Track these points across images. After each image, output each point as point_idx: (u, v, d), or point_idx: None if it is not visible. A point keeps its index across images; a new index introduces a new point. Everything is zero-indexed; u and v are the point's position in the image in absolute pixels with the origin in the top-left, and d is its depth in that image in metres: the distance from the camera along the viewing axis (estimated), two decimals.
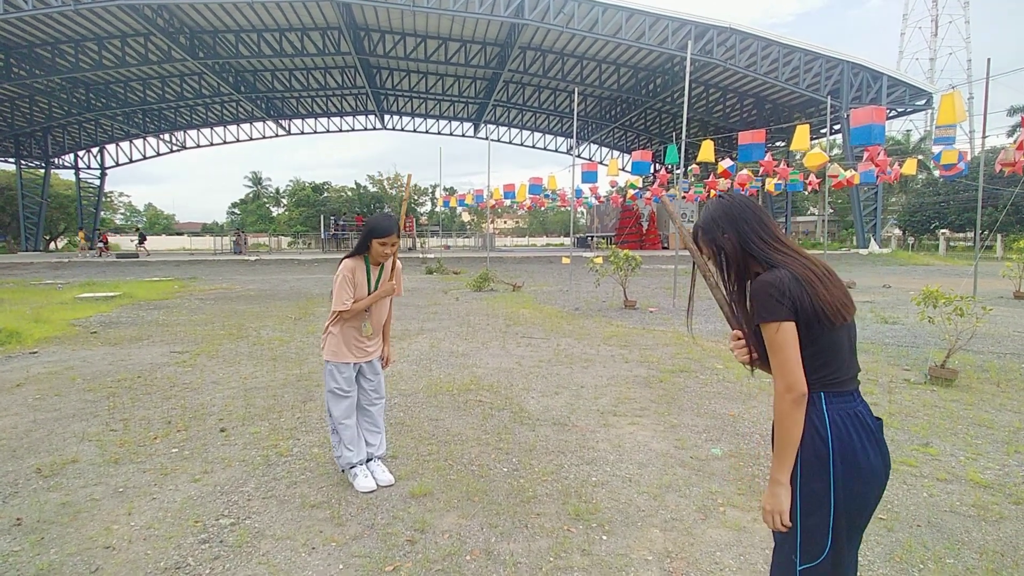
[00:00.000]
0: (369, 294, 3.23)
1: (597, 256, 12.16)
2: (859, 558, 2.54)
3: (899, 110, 30.92)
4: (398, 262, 3.40)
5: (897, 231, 43.75)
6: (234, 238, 37.80)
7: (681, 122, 13.11)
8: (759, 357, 1.58)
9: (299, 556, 2.58)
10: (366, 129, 49.29)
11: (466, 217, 73.86)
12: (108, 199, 54.88)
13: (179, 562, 2.53)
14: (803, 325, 1.44)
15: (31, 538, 2.73)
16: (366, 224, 3.22)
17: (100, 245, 32.18)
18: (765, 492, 1.51)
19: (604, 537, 2.75)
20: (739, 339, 1.64)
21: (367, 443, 3.42)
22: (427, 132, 49.93)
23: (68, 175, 43.50)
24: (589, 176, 20.86)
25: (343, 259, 3.21)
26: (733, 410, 4.67)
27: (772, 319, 1.43)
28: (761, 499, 1.58)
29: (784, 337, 1.42)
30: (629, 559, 2.56)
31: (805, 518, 1.48)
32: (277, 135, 48.03)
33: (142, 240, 35.73)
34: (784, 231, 1.47)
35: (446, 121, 48.99)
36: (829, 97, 21.07)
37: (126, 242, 55.79)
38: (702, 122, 40.18)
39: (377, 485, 3.27)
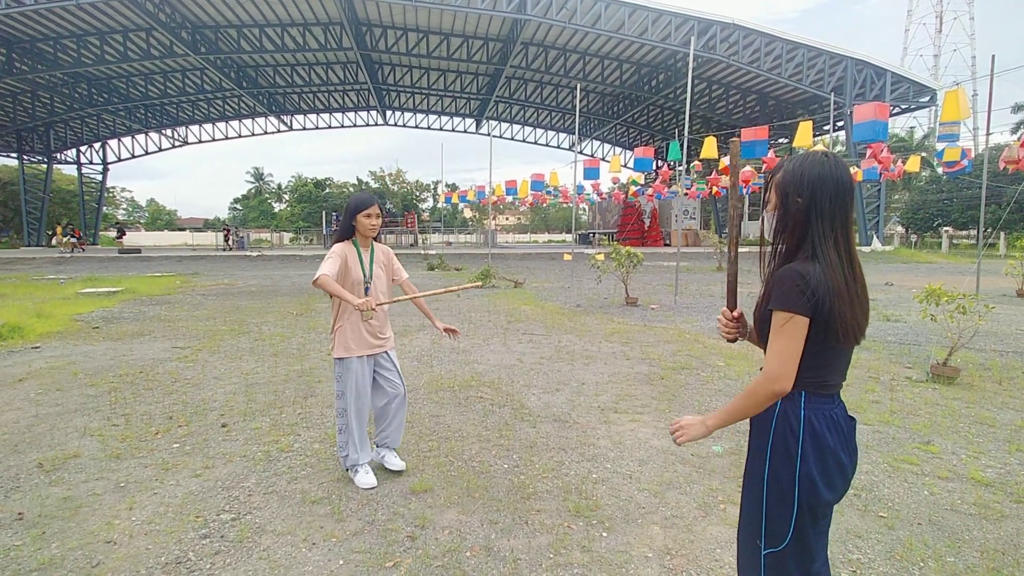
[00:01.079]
0: (364, 277, 3.20)
1: (599, 253, 12.15)
2: (860, 556, 2.55)
3: (903, 107, 30.78)
4: (388, 249, 3.43)
5: (900, 228, 43.64)
6: (224, 233, 37.30)
7: (683, 118, 13.06)
8: (759, 338, 1.57)
9: (299, 551, 2.59)
10: (368, 125, 49.35)
11: (468, 213, 73.84)
12: (110, 194, 55.04)
13: (180, 557, 2.54)
14: (812, 328, 1.43)
15: (32, 532, 2.74)
16: (346, 207, 3.22)
17: (73, 240, 30.92)
18: (693, 417, 1.58)
19: (604, 534, 2.75)
20: (733, 319, 1.68)
21: (384, 433, 3.43)
22: (429, 128, 49.97)
23: (70, 170, 43.64)
24: (591, 172, 20.81)
25: (332, 244, 3.21)
26: None
27: (789, 309, 1.40)
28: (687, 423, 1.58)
29: (793, 330, 1.40)
30: (629, 556, 2.56)
31: (770, 507, 1.51)
32: (279, 131, 48.08)
33: (121, 234, 35.16)
34: (855, 236, 1.51)
35: (448, 117, 48.98)
36: (832, 94, 21.01)
37: (129, 237, 55.94)
38: (705, 119, 40.08)
39: (387, 469, 3.37)
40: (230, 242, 36.08)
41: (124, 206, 70.84)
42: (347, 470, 3.34)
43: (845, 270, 1.43)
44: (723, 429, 4.14)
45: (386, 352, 3.40)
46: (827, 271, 1.40)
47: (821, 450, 1.45)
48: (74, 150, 42.02)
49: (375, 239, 3.34)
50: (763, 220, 1.60)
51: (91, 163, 43.41)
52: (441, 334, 3.44)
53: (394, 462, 3.41)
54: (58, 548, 2.61)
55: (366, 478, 3.24)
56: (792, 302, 1.40)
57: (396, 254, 3.55)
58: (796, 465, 1.46)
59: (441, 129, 50.10)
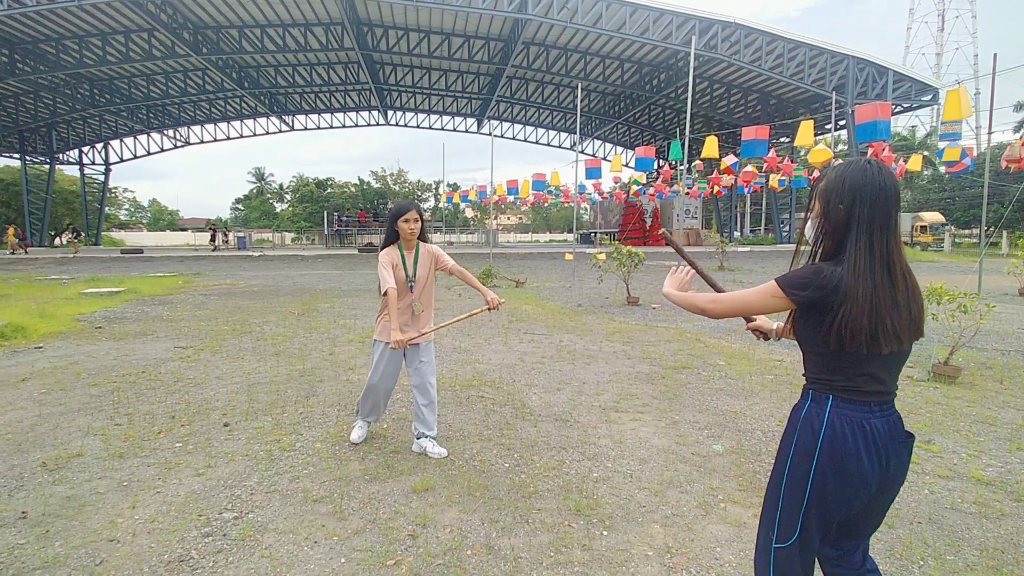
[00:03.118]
0: (407, 277, 3.55)
1: (600, 252, 12.14)
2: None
3: (905, 106, 30.70)
4: (435, 247, 3.70)
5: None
6: (210, 233, 36.27)
7: (685, 118, 13.06)
8: (794, 335, 1.61)
9: (301, 550, 2.60)
10: (369, 125, 49.32)
11: (469, 213, 73.84)
12: (112, 195, 55.08)
13: (183, 555, 2.55)
14: (818, 326, 1.48)
15: (36, 531, 2.75)
16: (389, 214, 3.61)
17: (15, 242, 29.94)
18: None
19: (605, 532, 2.75)
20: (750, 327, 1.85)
21: (423, 422, 3.69)
22: (431, 128, 49.94)
23: (73, 171, 43.67)
24: (592, 172, 20.79)
25: (379, 251, 3.59)
26: (735, 407, 4.67)
27: (782, 287, 1.48)
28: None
29: (768, 298, 1.52)
30: (629, 554, 2.57)
31: (786, 500, 1.56)
32: (281, 131, 48.07)
33: (76, 235, 33.26)
34: (900, 246, 1.47)
35: (449, 117, 48.95)
36: (834, 93, 20.97)
37: (131, 237, 56.05)
38: (706, 118, 40.03)
39: (428, 455, 3.64)
40: (217, 242, 35.24)
41: (126, 206, 71.00)
42: (355, 415, 3.99)
43: (878, 277, 1.43)
44: (724, 429, 4.16)
45: (418, 346, 3.68)
46: (850, 276, 1.42)
47: (840, 454, 1.47)
48: (76, 151, 42.06)
49: (422, 239, 3.65)
50: (806, 224, 1.63)
51: (93, 164, 43.45)
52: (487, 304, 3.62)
53: (435, 450, 3.66)
54: (62, 546, 2.62)
55: (356, 433, 3.88)
56: (790, 284, 1.47)
57: None
58: (812, 460, 1.49)
59: (443, 129, 50.07)
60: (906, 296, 1.46)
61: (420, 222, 3.54)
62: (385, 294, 3.37)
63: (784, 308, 1.54)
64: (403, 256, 3.56)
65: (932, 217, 35.71)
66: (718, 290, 1.81)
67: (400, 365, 3.69)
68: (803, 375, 1.61)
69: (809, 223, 1.61)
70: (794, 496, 1.53)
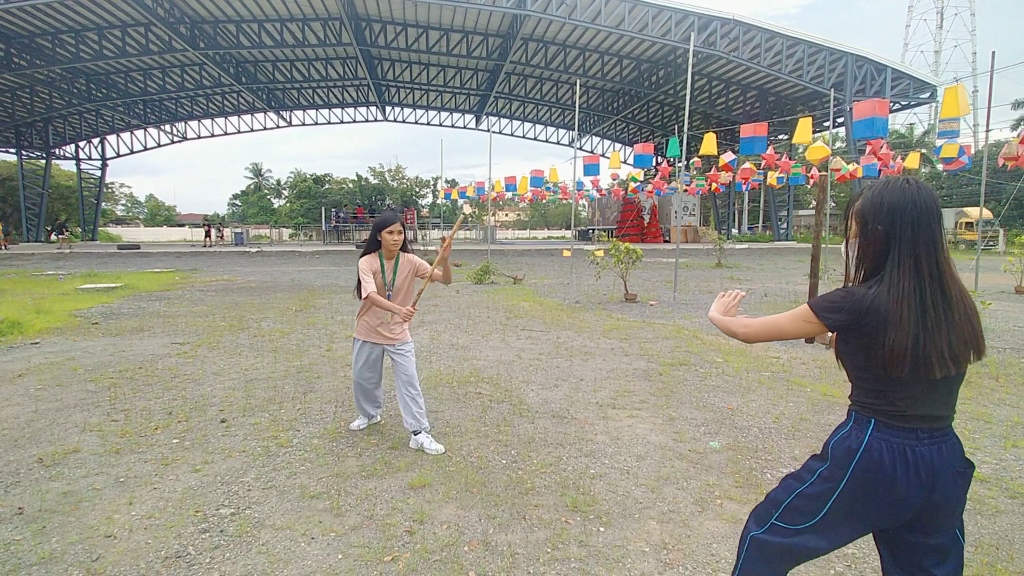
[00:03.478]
0: (386, 284, 3.72)
1: (598, 249, 12.14)
2: (854, 550, 2.55)
3: (903, 103, 30.72)
4: (413, 257, 3.85)
5: None
6: (204, 229, 35.43)
7: (683, 115, 13.05)
8: (839, 361, 1.58)
9: (298, 546, 2.60)
10: (367, 120, 49.17)
11: (467, 209, 73.77)
12: (109, 190, 54.87)
13: (180, 551, 2.55)
14: (855, 349, 1.48)
15: (33, 527, 2.75)
16: (373, 225, 3.72)
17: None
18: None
19: (602, 529, 2.76)
20: None
21: (411, 415, 3.74)
22: (428, 124, 49.86)
23: (69, 166, 43.46)
24: (591, 169, 20.75)
25: (360, 257, 3.73)
26: (732, 404, 4.68)
27: (814, 310, 1.48)
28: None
29: (798, 324, 1.52)
30: (626, 551, 2.58)
31: (805, 492, 1.56)
32: (278, 126, 47.93)
33: (60, 231, 32.18)
34: (950, 263, 1.41)
35: (448, 113, 48.87)
36: (832, 90, 20.91)
37: (128, 233, 55.89)
38: (704, 115, 40.01)
39: (426, 452, 3.69)
40: (211, 238, 34.57)
41: (123, 202, 70.73)
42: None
43: (929, 298, 1.38)
44: (721, 425, 4.17)
45: (394, 345, 3.80)
46: (893, 299, 1.38)
47: (873, 479, 1.45)
48: (73, 146, 41.88)
49: (403, 250, 3.78)
50: (847, 247, 1.60)
51: (90, 159, 43.28)
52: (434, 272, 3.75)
53: (432, 447, 3.70)
54: (58, 542, 2.62)
55: (356, 422, 4.12)
56: (822, 308, 1.47)
57: None
58: (843, 477, 1.48)
59: (441, 125, 50.01)
60: (964, 315, 1.41)
61: (403, 234, 3.70)
62: (367, 297, 3.57)
63: (818, 332, 1.52)
64: (383, 265, 3.72)
65: (976, 213, 34.46)
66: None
67: (379, 359, 3.88)
68: (848, 396, 1.59)
69: (849, 244, 1.57)
70: (816, 499, 1.53)
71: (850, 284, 1.53)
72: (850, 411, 1.56)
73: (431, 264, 3.80)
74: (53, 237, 33.17)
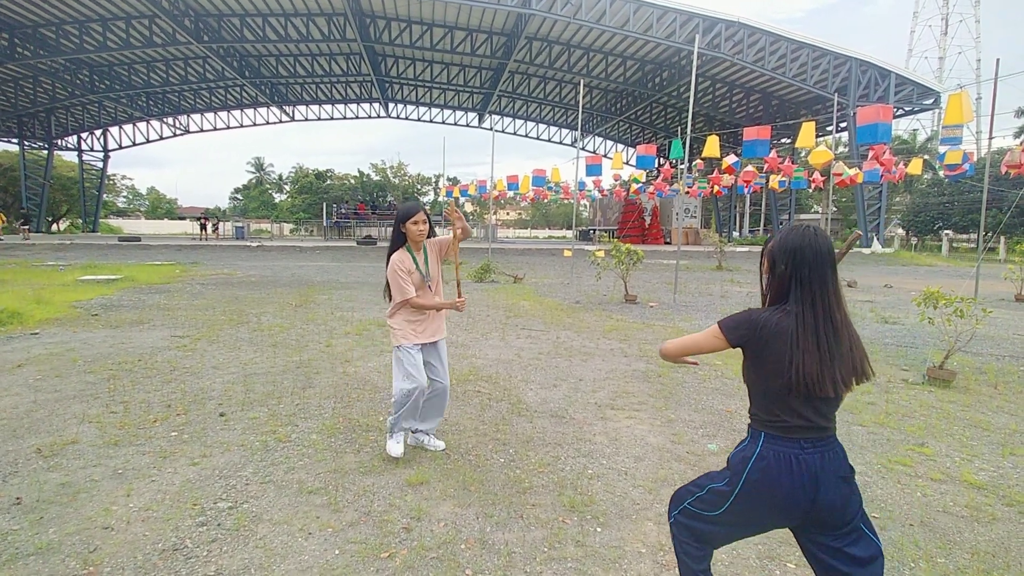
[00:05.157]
0: (422, 277, 3.45)
1: (599, 249, 12.14)
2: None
3: (906, 109, 30.74)
4: (438, 241, 3.58)
5: (900, 231, 43.61)
6: (200, 222, 34.36)
7: (686, 116, 13.04)
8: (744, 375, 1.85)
9: (295, 541, 2.61)
10: (370, 117, 49.17)
11: (469, 208, 73.77)
12: (111, 182, 54.83)
13: (177, 544, 2.56)
14: (747, 361, 1.75)
15: (30, 517, 2.75)
16: (395, 218, 3.50)
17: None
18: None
19: (599, 529, 2.76)
20: None
21: (427, 422, 3.66)
22: (431, 121, 49.83)
23: (71, 157, 43.46)
24: (593, 169, 20.77)
25: (389, 256, 3.45)
26: (730, 406, 4.68)
27: (721, 328, 1.74)
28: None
29: (710, 340, 1.79)
30: (623, 551, 2.58)
31: (713, 488, 1.80)
32: (281, 121, 47.95)
33: (26, 222, 31.07)
34: (840, 300, 1.69)
35: (451, 110, 48.85)
36: (836, 94, 20.95)
37: (129, 225, 55.86)
38: (708, 117, 40.00)
39: (427, 449, 3.66)
40: (208, 231, 33.54)
41: (125, 194, 70.68)
42: (388, 430, 3.54)
43: (820, 328, 1.62)
44: (719, 428, 4.17)
45: (435, 343, 3.58)
46: (797, 327, 1.62)
47: (766, 479, 1.67)
48: (75, 137, 41.87)
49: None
50: (761, 279, 1.86)
51: (92, 150, 43.27)
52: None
53: (435, 443, 3.69)
54: (56, 533, 2.62)
55: (395, 447, 3.46)
56: (726, 326, 1.73)
57: None
58: (739, 481, 1.71)
59: (443, 122, 49.97)
60: (849, 347, 1.64)
61: (428, 223, 3.48)
62: (407, 302, 3.37)
63: (724, 347, 1.77)
64: (414, 258, 3.47)
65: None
66: None
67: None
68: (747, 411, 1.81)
69: (762, 277, 1.84)
70: (712, 501, 1.79)
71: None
72: (749, 426, 1.80)
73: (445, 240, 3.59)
74: (16, 226, 32.79)
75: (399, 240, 3.46)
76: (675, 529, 1.92)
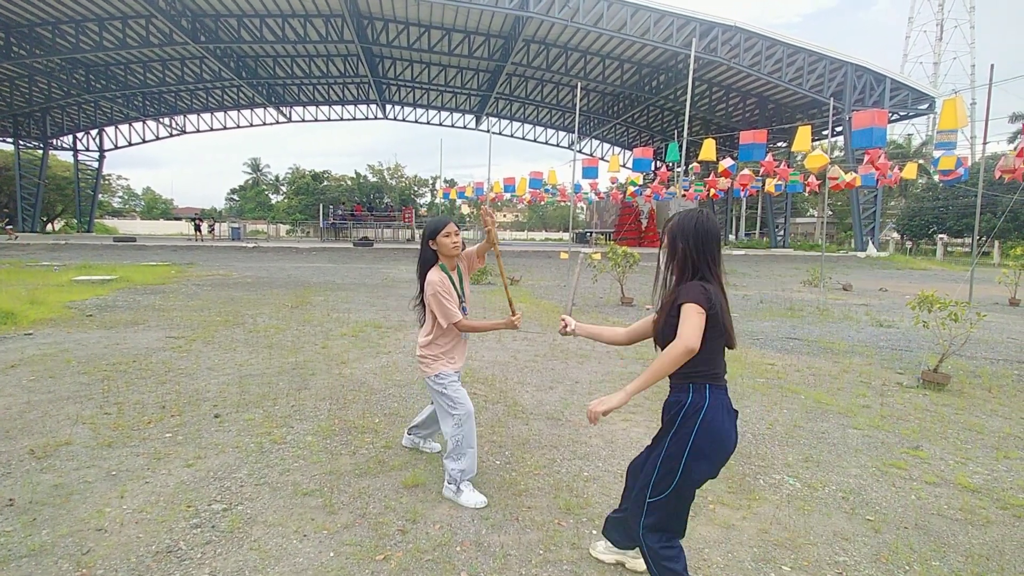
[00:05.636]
0: (459, 297, 3.10)
1: (595, 252, 12.15)
2: (846, 558, 2.58)
3: (901, 113, 30.91)
4: (467, 254, 3.23)
5: (895, 235, 43.83)
6: (195, 223, 33.71)
7: (683, 120, 13.09)
8: (658, 334, 2.10)
9: (290, 543, 2.60)
10: (367, 118, 49.11)
11: (466, 210, 73.76)
12: (106, 182, 54.57)
13: (171, 546, 2.54)
14: (710, 327, 1.94)
15: (23, 519, 2.74)
16: (423, 233, 3.13)
17: None
18: (606, 395, 2.02)
19: (594, 531, 2.76)
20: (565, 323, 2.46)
21: (426, 429, 3.60)
22: (428, 123, 49.84)
23: (67, 156, 43.22)
24: (590, 172, 20.83)
25: (426, 275, 3.05)
26: None
27: (700, 304, 1.92)
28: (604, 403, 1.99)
29: (698, 316, 1.92)
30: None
31: (664, 462, 2.02)
32: (278, 122, 47.84)
33: (10, 222, 30.55)
34: (723, 264, 2.15)
35: (448, 112, 48.86)
36: (832, 99, 21.01)
37: (124, 225, 55.65)
38: (704, 120, 40.14)
39: (420, 450, 3.68)
40: (201, 232, 33.04)
41: (120, 194, 70.44)
42: (455, 483, 3.06)
43: (720, 289, 2.03)
44: None
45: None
46: (716, 288, 2.00)
47: (717, 425, 1.98)
48: (70, 136, 41.68)
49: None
50: (659, 254, 2.16)
51: (87, 150, 43.04)
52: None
53: (431, 445, 3.71)
54: (48, 535, 2.61)
55: (475, 497, 3.03)
56: (700, 299, 1.93)
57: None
58: (693, 431, 1.97)
59: (441, 124, 49.99)
60: (727, 301, 2.06)
61: (460, 234, 3.12)
62: (456, 324, 2.99)
63: (704, 317, 1.95)
64: (450, 277, 3.06)
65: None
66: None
67: None
68: (673, 375, 2.02)
69: (661, 253, 2.15)
70: (674, 459, 2.00)
71: (661, 280, 2.15)
72: (684, 386, 2.02)
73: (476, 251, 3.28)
74: (1, 226, 32.47)
75: (431, 258, 3.08)
76: (647, 541, 2.06)
